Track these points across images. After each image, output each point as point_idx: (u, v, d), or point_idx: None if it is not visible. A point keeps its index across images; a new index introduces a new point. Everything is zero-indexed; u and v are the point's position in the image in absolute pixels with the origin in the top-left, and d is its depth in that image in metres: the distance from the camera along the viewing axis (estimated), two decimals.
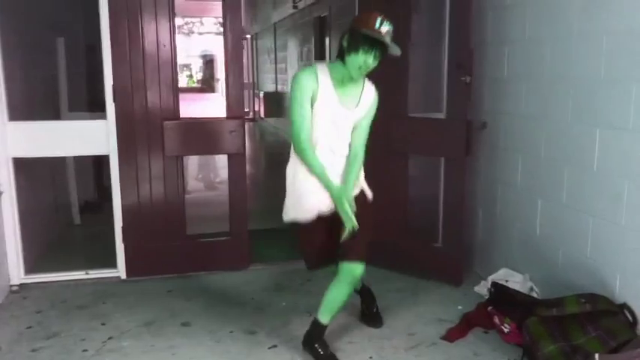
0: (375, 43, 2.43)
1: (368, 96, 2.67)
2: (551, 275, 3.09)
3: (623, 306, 2.56)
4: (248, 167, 4.18)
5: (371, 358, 2.84)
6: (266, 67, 14.64)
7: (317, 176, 2.59)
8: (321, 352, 2.76)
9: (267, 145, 12.10)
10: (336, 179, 2.66)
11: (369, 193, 2.81)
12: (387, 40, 2.44)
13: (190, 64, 30.59)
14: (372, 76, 3.84)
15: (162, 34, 3.63)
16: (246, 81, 16.73)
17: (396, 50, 2.49)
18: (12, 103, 3.59)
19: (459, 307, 3.33)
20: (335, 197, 2.59)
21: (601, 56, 2.67)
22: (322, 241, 2.72)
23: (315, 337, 2.79)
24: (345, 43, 2.50)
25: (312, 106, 2.55)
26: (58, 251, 4.37)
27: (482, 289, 3.48)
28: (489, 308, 3.03)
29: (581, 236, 2.85)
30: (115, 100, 3.62)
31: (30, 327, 3.16)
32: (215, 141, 3.83)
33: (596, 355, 2.33)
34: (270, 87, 13.90)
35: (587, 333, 2.53)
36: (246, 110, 15.86)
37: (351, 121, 2.65)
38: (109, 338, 3.03)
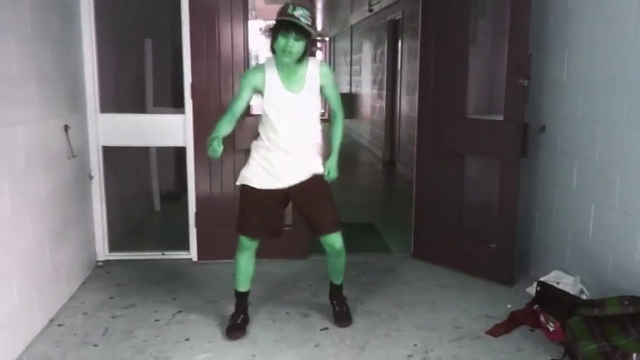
0: (289, 26, 2.68)
1: (312, 73, 2.88)
2: (601, 278, 3.11)
3: None
4: None
5: (415, 345, 2.99)
6: (342, 68, 14.89)
7: (215, 131, 2.80)
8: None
9: None
10: (289, 177, 2.94)
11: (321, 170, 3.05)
12: (300, 21, 2.68)
13: None
14: (433, 76, 4.01)
15: (237, 37, 3.95)
16: None
17: (309, 28, 2.71)
18: (104, 97, 4.01)
19: (509, 306, 3.40)
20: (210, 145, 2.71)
21: None
22: (264, 212, 2.99)
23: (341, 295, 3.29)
24: (270, 35, 2.78)
25: (262, 96, 2.88)
26: (139, 233, 4.82)
27: (534, 290, 3.53)
28: (535, 306, 3.10)
29: (631, 240, 2.86)
30: (192, 97, 3.97)
31: (111, 297, 3.55)
32: None
33: (634, 355, 2.38)
34: (345, 88, 14.14)
35: (629, 335, 2.57)
36: (321, 111, 16.21)
37: (302, 105, 2.89)
38: (178, 312, 3.36)
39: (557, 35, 3.59)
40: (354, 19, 12.26)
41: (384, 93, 9.29)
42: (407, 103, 7.67)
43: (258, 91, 2.90)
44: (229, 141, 4.00)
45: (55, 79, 3.34)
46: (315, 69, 2.90)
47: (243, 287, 3.16)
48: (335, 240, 3.02)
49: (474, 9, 4.23)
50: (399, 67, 8.36)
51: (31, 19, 3.01)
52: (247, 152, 4.04)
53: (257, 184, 2.95)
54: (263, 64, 2.93)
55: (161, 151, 5.43)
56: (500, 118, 3.75)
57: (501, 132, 3.68)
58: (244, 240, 3.05)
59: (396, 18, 8.36)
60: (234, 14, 3.94)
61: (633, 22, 2.85)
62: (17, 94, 2.87)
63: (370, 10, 9.96)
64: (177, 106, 4.28)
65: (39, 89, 3.10)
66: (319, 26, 16.30)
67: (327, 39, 17.65)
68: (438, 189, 4.08)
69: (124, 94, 4.71)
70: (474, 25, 4.46)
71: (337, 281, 3.28)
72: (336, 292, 3.31)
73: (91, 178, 3.97)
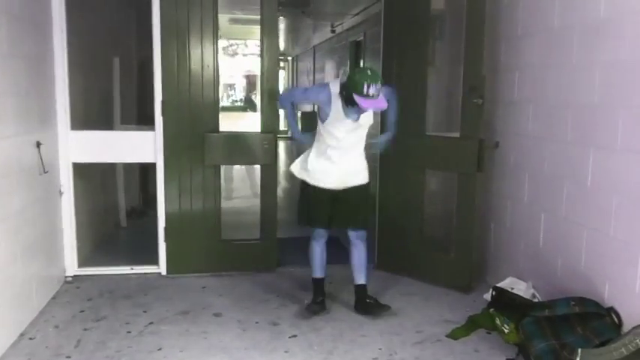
0: None
1: (367, 113, 3.38)
2: (551, 283, 3.34)
3: (610, 310, 2.81)
4: (282, 181, 4.54)
5: (380, 349, 3.14)
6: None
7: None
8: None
9: None
10: (344, 175, 3.48)
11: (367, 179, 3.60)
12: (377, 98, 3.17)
13: (235, 84, 31.35)
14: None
15: (207, 56, 4.08)
16: None
17: (382, 104, 3.22)
18: (74, 114, 4.07)
19: (467, 310, 3.60)
20: None
21: (594, 85, 2.96)
22: (326, 206, 3.51)
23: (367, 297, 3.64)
24: (344, 95, 3.25)
25: (326, 118, 3.37)
26: (107, 248, 4.84)
27: (490, 295, 3.73)
28: (491, 310, 3.30)
29: (577, 247, 3.11)
30: (163, 114, 4.07)
31: (82, 311, 3.59)
32: (250, 153, 4.25)
33: (579, 350, 2.59)
34: (307, 107, 14.37)
35: (576, 332, 2.79)
36: (284, 129, 16.37)
37: (359, 130, 3.42)
38: (150, 323, 3.43)
39: (509, 58, 3.87)
40: (316, 40, 12.55)
41: None
42: None
43: (315, 104, 3.60)
44: (199, 156, 4.14)
45: (28, 95, 3.40)
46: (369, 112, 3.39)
47: (319, 273, 3.68)
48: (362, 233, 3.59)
49: (433, 33, 4.49)
50: None
51: (7, 37, 3.09)
52: (215, 168, 4.21)
53: (323, 184, 3.47)
54: (329, 88, 3.35)
55: (127, 168, 5.48)
56: (458, 135, 3.99)
57: (458, 148, 3.91)
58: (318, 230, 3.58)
59: (358, 39, 8.65)
60: (204, 33, 4.07)
61: (575, 50, 3.13)
62: None
63: (333, 32, 10.25)
64: (142, 123, 4.34)
65: (14, 106, 3.16)
66: (281, 46, 16.54)
67: (289, 58, 17.93)
68: (400, 203, 4.28)
69: (92, 112, 4.77)
70: (432, 47, 4.73)
71: (361, 280, 3.62)
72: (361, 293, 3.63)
73: (61, 193, 4.01)
